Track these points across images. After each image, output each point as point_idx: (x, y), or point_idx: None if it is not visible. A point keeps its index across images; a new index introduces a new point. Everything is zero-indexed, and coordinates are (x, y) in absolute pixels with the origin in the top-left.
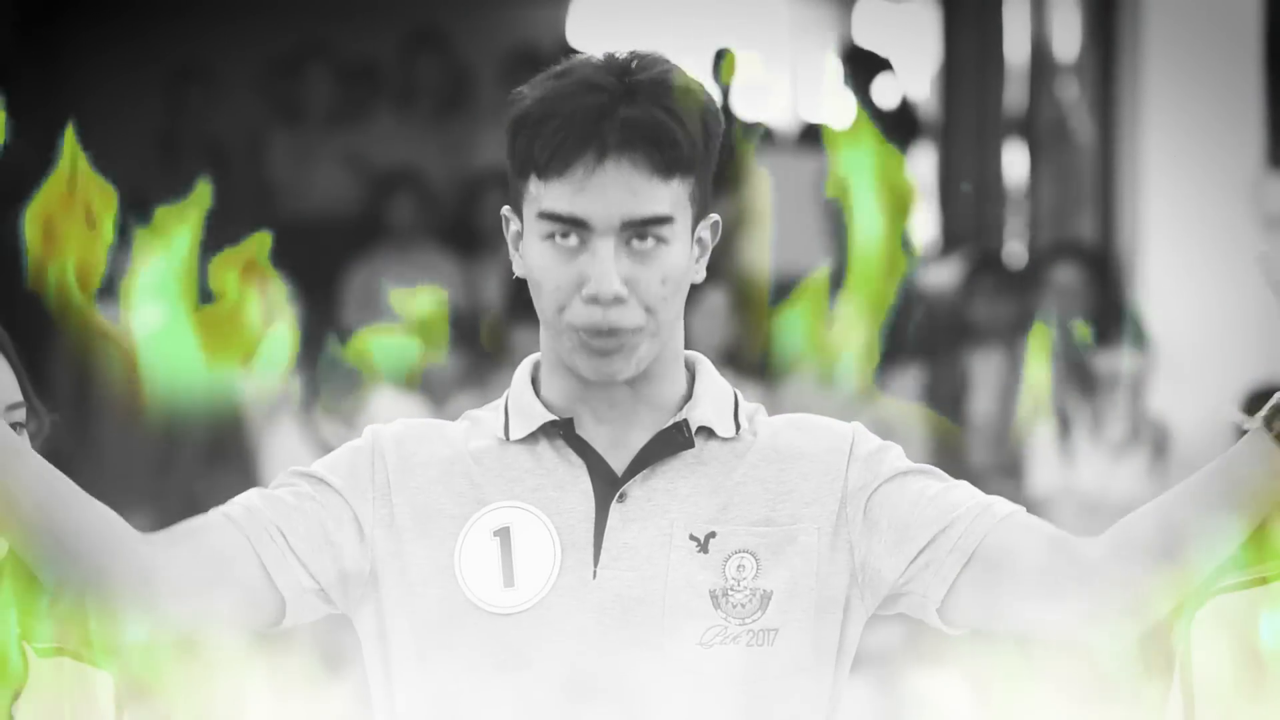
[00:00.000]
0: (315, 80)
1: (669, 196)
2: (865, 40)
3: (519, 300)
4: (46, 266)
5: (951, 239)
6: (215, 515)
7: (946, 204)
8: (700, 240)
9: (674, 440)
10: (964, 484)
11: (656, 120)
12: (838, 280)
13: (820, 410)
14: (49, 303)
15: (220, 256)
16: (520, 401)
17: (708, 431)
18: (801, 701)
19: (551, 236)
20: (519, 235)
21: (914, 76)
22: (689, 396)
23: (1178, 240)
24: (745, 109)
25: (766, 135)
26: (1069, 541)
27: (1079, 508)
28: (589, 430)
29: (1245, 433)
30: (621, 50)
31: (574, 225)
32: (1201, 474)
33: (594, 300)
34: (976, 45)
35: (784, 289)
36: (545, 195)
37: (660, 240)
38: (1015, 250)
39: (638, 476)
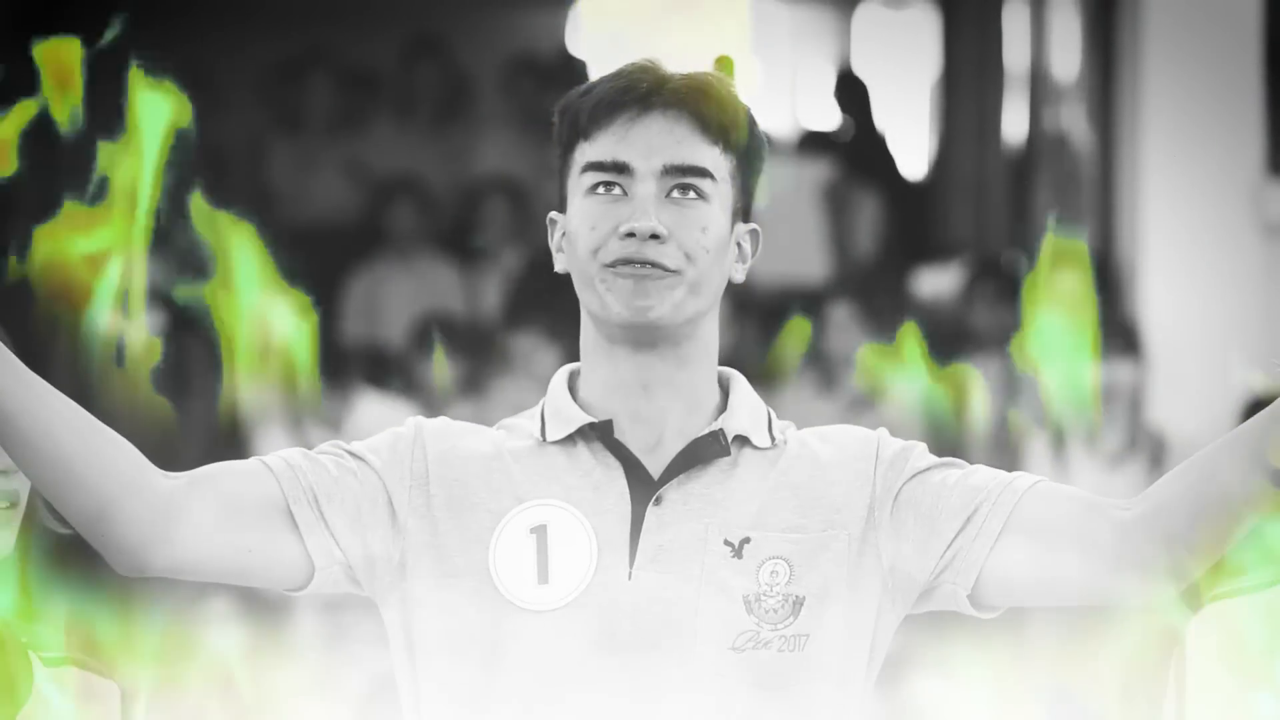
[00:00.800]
0: (315, 88)
1: (711, 158)
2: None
3: (518, 307)
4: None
5: (951, 245)
6: (253, 462)
7: (947, 210)
8: (740, 245)
9: (711, 447)
10: (982, 467)
11: (704, 81)
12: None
13: (819, 416)
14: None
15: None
16: (557, 405)
17: (743, 440)
18: (831, 706)
19: (594, 189)
20: (564, 235)
21: (914, 84)
22: (724, 407)
23: (1178, 248)
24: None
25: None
26: (1101, 504)
27: None
28: (626, 433)
29: None
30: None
31: (616, 171)
32: (1244, 428)
33: (631, 236)
34: (976, 52)
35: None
36: (590, 150)
37: (701, 195)
38: (1015, 258)
39: (674, 480)
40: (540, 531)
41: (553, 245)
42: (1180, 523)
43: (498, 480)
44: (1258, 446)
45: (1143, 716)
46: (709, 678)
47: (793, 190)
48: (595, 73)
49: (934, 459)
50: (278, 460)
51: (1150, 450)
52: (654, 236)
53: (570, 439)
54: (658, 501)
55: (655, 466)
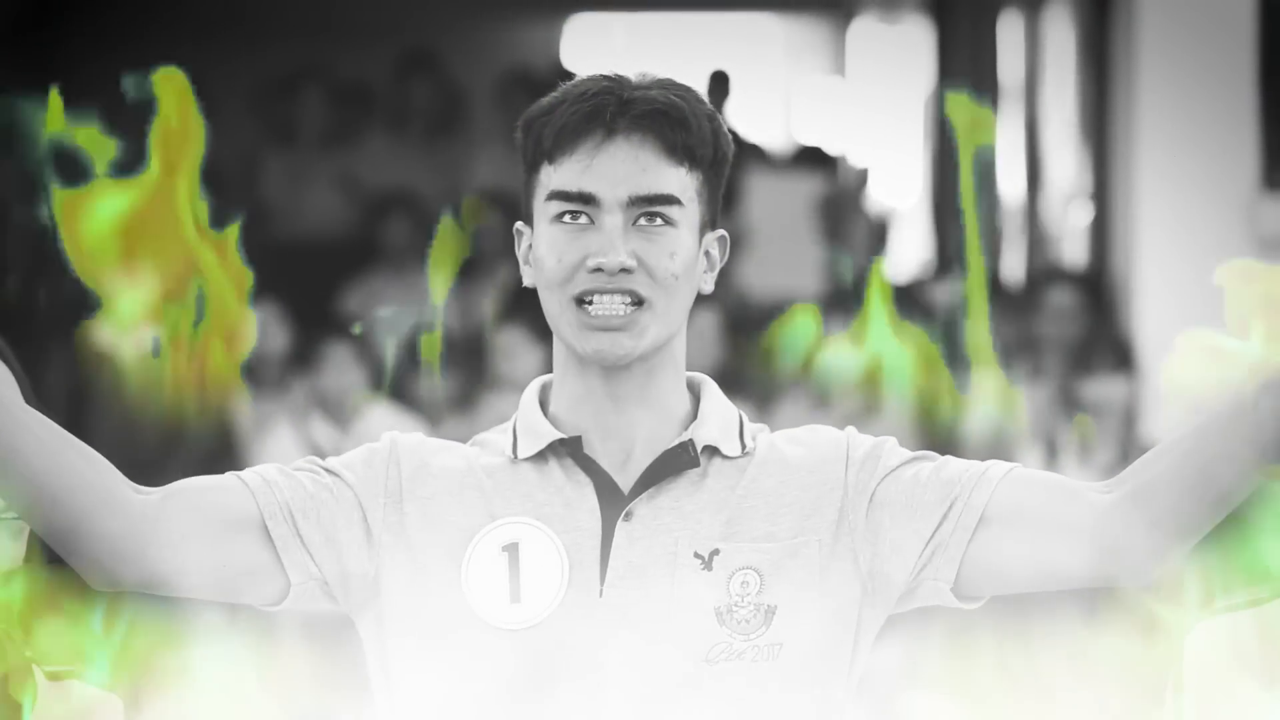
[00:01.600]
0: (309, 102)
1: (678, 181)
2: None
3: (515, 314)
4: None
5: (946, 260)
6: (229, 477)
7: (942, 225)
8: (708, 254)
9: (680, 459)
10: (953, 459)
11: (668, 101)
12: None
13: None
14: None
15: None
16: (528, 421)
17: (713, 450)
18: (809, 715)
19: (560, 217)
20: (529, 247)
21: (907, 97)
22: (694, 416)
23: (1172, 263)
24: (740, 130)
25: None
26: (1079, 488)
27: None
28: (596, 448)
29: None
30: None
31: (582, 202)
32: (1229, 406)
33: (599, 270)
34: (970, 65)
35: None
36: (554, 176)
37: (668, 222)
38: (1010, 272)
39: (644, 495)
40: (512, 550)
41: (519, 255)
42: (1161, 504)
43: (470, 497)
44: (1250, 423)
45: None
46: (684, 691)
47: (787, 204)
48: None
49: (905, 454)
50: (254, 476)
51: None
52: (624, 270)
53: (541, 455)
54: (628, 517)
55: (625, 481)
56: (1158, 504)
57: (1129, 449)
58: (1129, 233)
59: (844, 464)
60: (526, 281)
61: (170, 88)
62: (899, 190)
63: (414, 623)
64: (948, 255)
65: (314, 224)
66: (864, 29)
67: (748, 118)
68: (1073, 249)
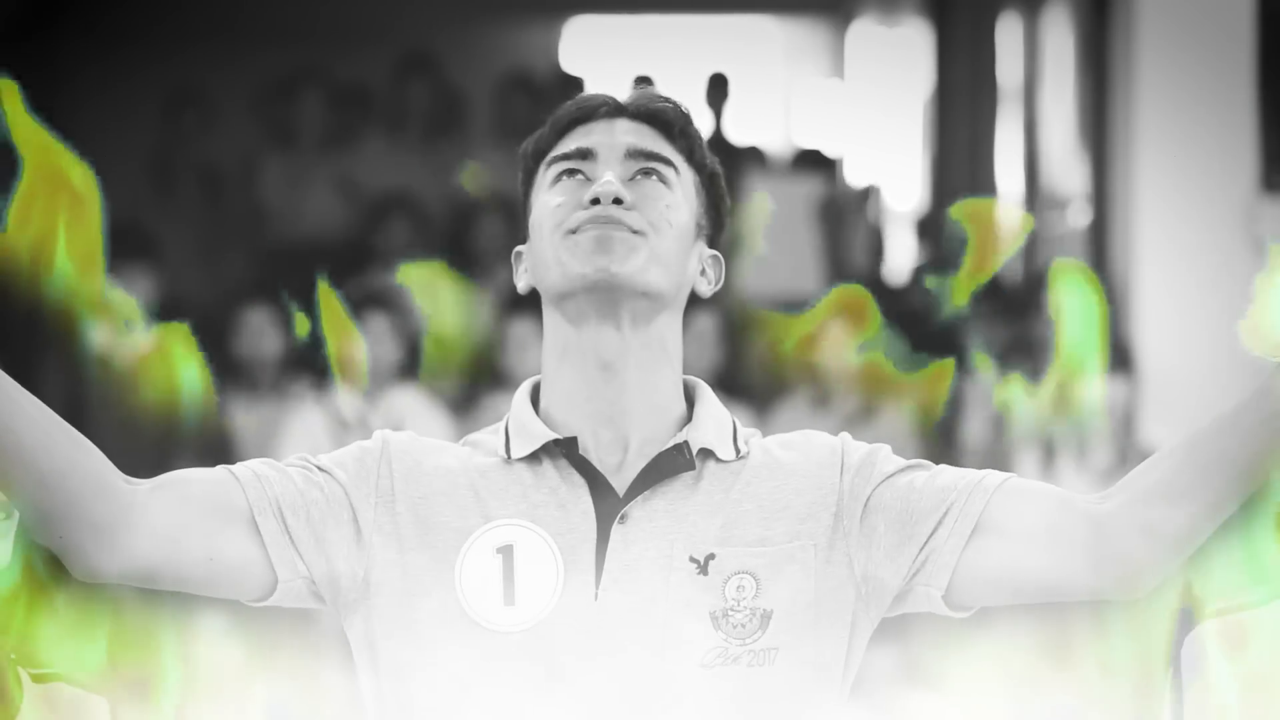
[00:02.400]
0: (307, 104)
1: (673, 154)
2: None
3: (513, 318)
4: (42, 253)
5: (944, 260)
6: (219, 470)
7: (941, 226)
8: (704, 271)
9: (675, 461)
10: (947, 467)
11: (665, 100)
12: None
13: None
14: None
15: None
16: (521, 421)
17: (707, 454)
18: (804, 719)
19: (559, 179)
20: (527, 270)
21: (907, 100)
22: (689, 419)
23: (1171, 265)
24: (739, 133)
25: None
26: (1074, 499)
27: None
28: (590, 450)
29: None
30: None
31: (579, 157)
32: (1229, 411)
33: (595, 202)
34: (969, 68)
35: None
36: (556, 149)
37: (664, 180)
38: (1010, 273)
39: (639, 497)
40: (506, 552)
41: (516, 278)
42: (1158, 512)
43: (464, 498)
44: (1249, 427)
45: None
46: (679, 696)
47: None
48: (590, 89)
49: (900, 461)
50: (245, 470)
51: None
52: (617, 201)
53: (535, 456)
54: (623, 520)
55: (620, 483)
56: (1154, 512)
57: (1127, 451)
58: (1128, 235)
59: (839, 469)
60: (521, 288)
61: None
62: (898, 193)
63: (405, 624)
64: (945, 257)
65: (313, 226)
66: (863, 31)
67: (747, 120)
68: (1072, 251)
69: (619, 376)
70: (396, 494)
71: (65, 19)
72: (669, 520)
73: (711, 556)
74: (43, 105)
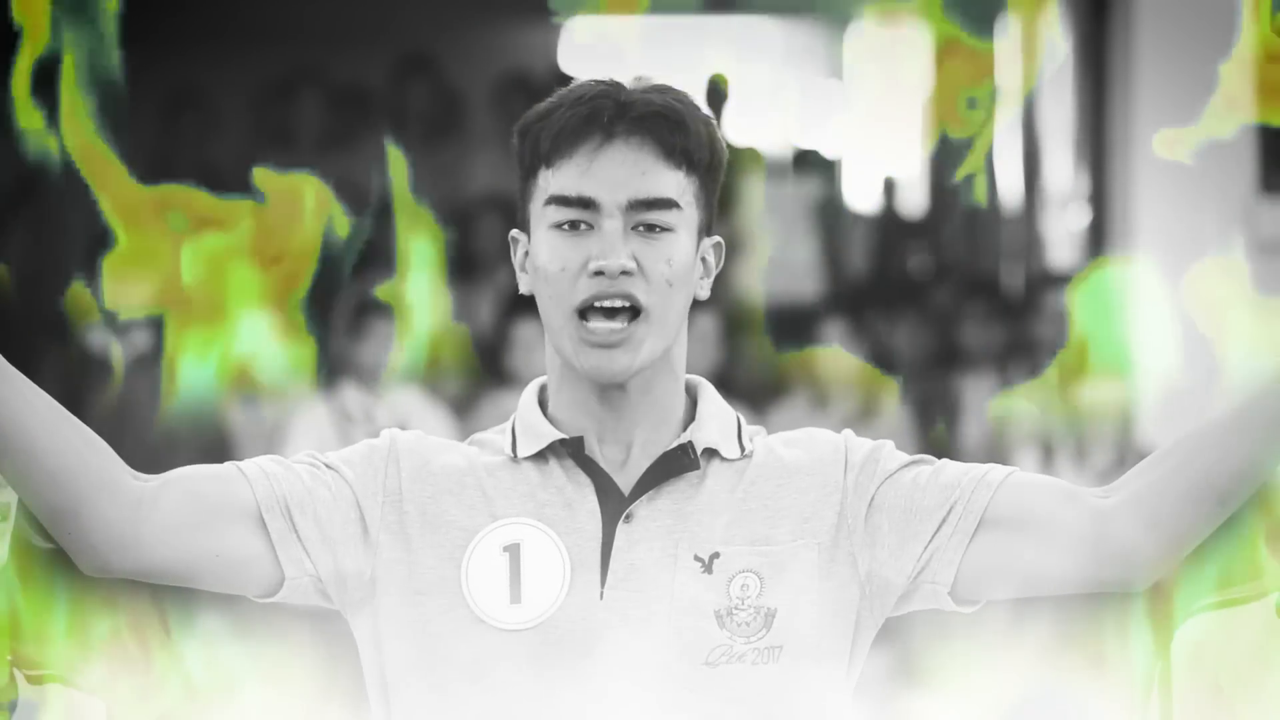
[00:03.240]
0: (306, 105)
1: (675, 184)
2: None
3: (513, 322)
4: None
5: (944, 264)
6: (228, 467)
7: (940, 229)
8: (704, 260)
9: (680, 461)
10: (950, 462)
11: (665, 104)
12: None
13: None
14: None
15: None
16: (527, 421)
17: (712, 452)
18: (808, 718)
19: (560, 226)
20: (527, 253)
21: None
22: (692, 418)
23: (1170, 266)
24: (739, 135)
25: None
26: (1079, 493)
27: None
28: (596, 450)
29: None
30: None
31: (581, 206)
32: (1233, 409)
33: (600, 274)
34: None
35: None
36: (553, 181)
37: (666, 229)
38: (1008, 275)
39: (644, 497)
40: (513, 550)
41: (516, 263)
42: (1163, 507)
43: (471, 496)
44: (1260, 421)
45: None
46: (684, 694)
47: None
48: None
49: (903, 457)
50: (253, 467)
51: None
52: (624, 273)
53: (541, 455)
54: (628, 519)
55: (626, 482)
56: (1159, 507)
57: (1126, 452)
58: (1126, 236)
59: (842, 467)
60: (523, 289)
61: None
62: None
63: (411, 623)
64: (944, 257)
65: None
66: (862, 33)
67: (746, 121)
68: (1070, 252)
69: (624, 391)
70: (404, 493)
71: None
72: (673, 519)
73: (716, 555)
74: (43, 105)
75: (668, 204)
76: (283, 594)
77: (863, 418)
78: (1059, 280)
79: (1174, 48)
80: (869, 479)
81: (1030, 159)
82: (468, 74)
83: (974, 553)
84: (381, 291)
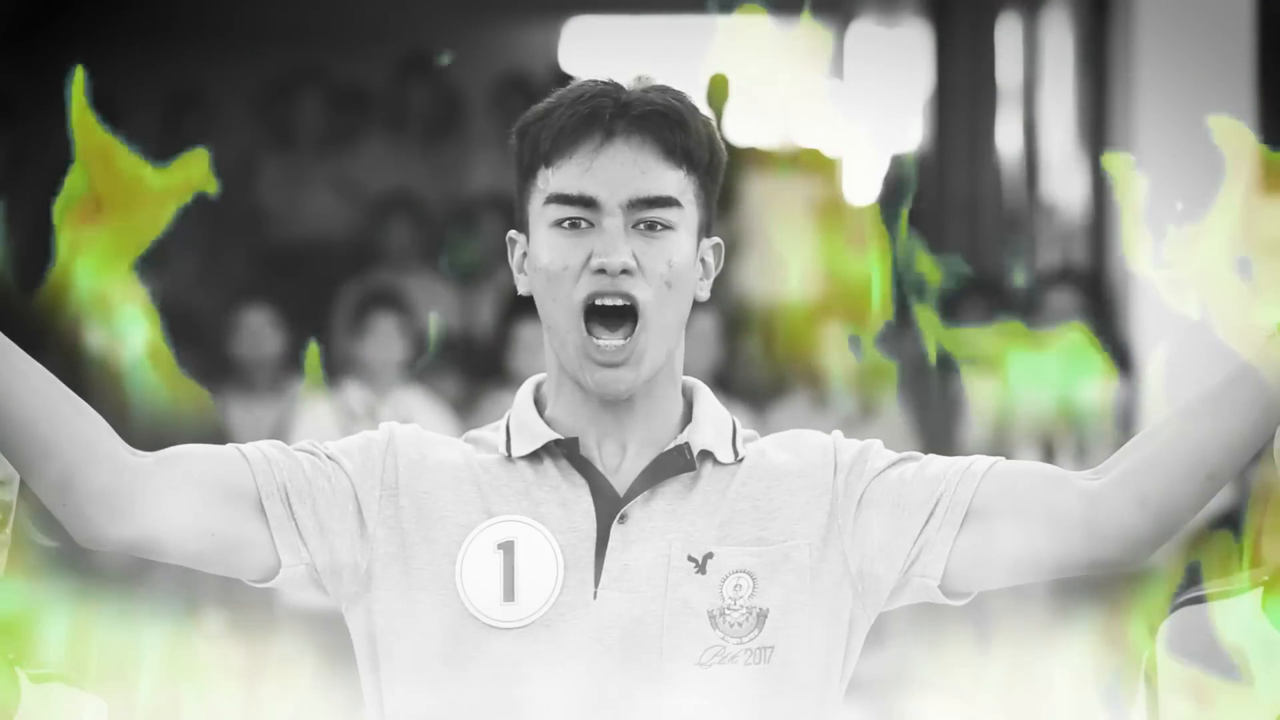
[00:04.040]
0: (307, 105)
1: (676, 183)
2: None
3: (514, 323)
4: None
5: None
6: (229, 448)
7: (942, 227)
8: (704, 261)
9: (675, 462)
10: (936, 457)
11: (665, 104)
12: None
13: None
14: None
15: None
16: (523, 419)
17: (707, 455)
18: (800, 717)
19: (560, 224)
20: (524, 255)
21: (906, 100)
22: (688, 419)
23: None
24: (738, 133)
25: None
26: (1066, 475)
27: None
28: (591, 450)
29: None
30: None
31: (582, 205)
32: (1219, 384)
33: (602, 271)
34: (969, 69)
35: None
36: (553, 180)
37: (667, 226)
38: (1011, 274)
39: (639, 498)
40: (507, 548)
41: (513, 264)
42: (1153, 485)
43: (467, 492)
44: (1242, 400)
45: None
46: (676, 695)
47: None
48: None
49: (891, 455)
50: (255, 451)
51: None
52: (625, 271)
53: (536, 454)
54: (622, 519)
55: (621, 483)
56: (1149, 485)
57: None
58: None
59: (832, 469)
60: (522, 290)
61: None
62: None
63: (406, 617)
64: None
65: (313, 227)
66: (862, 32)
67: (745, 120)
68: (1072, 251)
69: (624, 397)
70: (400, 487)
71: (64, 20)
72: (667, 520)
73: (709, 556)
74: (41, 106)
75: (668, 202)
76: (278, 580)
77: (863, 418)
78: (1062, 278)
79: (1175, 46)
80: (858, 479)
81: (1030, 157)
82: (469, 74)
83: (962, 544)
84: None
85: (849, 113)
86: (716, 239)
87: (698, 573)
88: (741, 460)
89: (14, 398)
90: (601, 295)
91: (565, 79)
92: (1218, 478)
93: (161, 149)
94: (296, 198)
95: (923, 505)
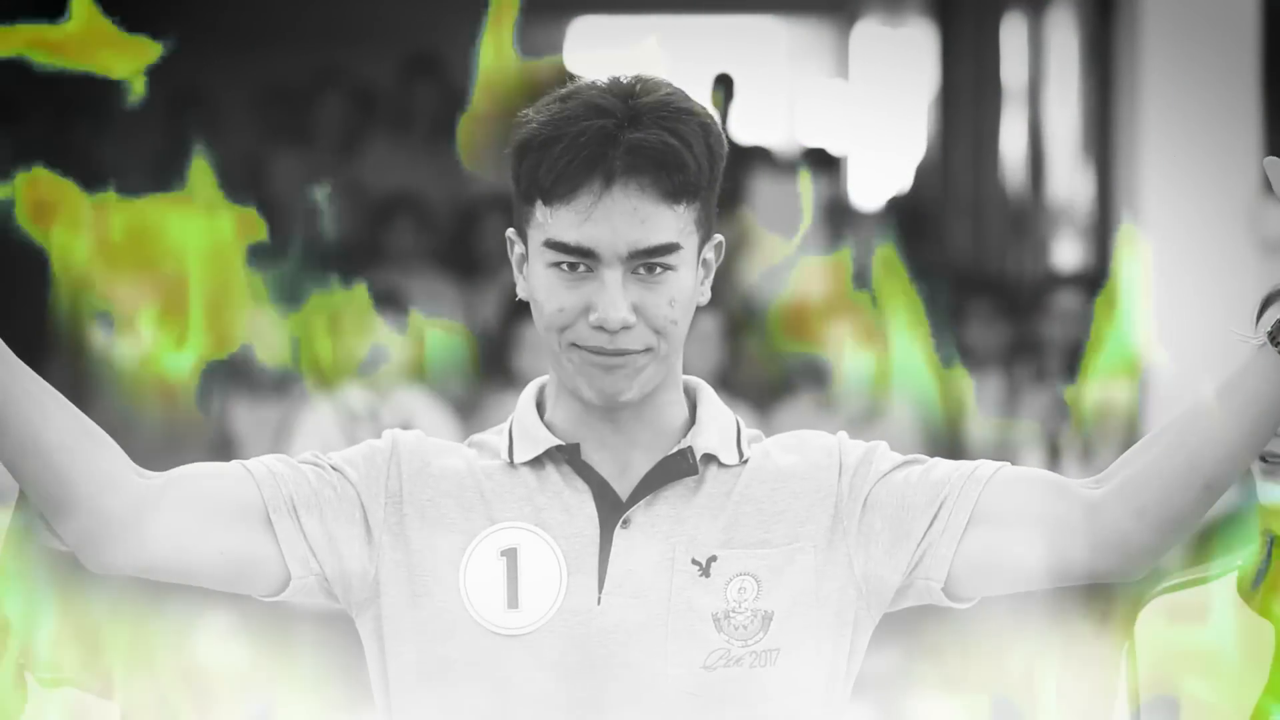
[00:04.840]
0: (313, 106)
1: (676, 223)
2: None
3: (518, 324)
4: None
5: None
6: (234, 465)
7: (945, 226)
8: (705, 261)
9: (679, 466)
10: (941, 460)
11: (664, 144)
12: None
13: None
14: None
15: None
16: (525, 425)
17: (711, 458)
18: (806, 719)
19: (558, 265)
20: (523, 258)
21: (912, 100)
22: (692, 422)
23: (1175, 266)
24: (744, 133)
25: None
26: (1068, 484)
27: None
28: (593, 455)
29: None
30: (625, 75)
31: (581, 255)
32: (1218, 388)
33: (600, 328)
34: (974, 69)
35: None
36: (551, 223)
37: (668, 268)
38: (1013, 275)
39: (642, 502)
40: (511, 554)
41: (513, 263)
42: (1151, 495)
43: (470, 498)
44: (1234, 409)
45: (1095, 711)
46: (682, 698)
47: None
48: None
49: (896, 458)
50: (259, 466)
51: None
52: (624, 327)
53: (539, 460)
54: (625, 524)
55: (624, 488)
56: (1147, 495)
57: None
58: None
59: (837, 471)
60: (521, 294)
61: None
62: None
63: (412, 624)
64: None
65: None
66: (867, 31)
67: (751, 120)
68: (1076, 252)
69: (624, 404)
70: (404, 494)
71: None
72: (671, 524)
73: (713, 558)
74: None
75: (668, 249)
76: (288, 593)
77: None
78: (1066, 279)
79: (1180, 47)
80: (863, 481)
81: (1035, 157)
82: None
83: (965, 548)
84: None
85: (854, 113)
86: (719, 237)
87: (702, 576)
88: (746, 462)
89: (26, 423)
90: (600, 351)
91: (567, 79)
92: (1215, 487)
93: (167, 149)
94: (302, 197)
95: (927, 508)
